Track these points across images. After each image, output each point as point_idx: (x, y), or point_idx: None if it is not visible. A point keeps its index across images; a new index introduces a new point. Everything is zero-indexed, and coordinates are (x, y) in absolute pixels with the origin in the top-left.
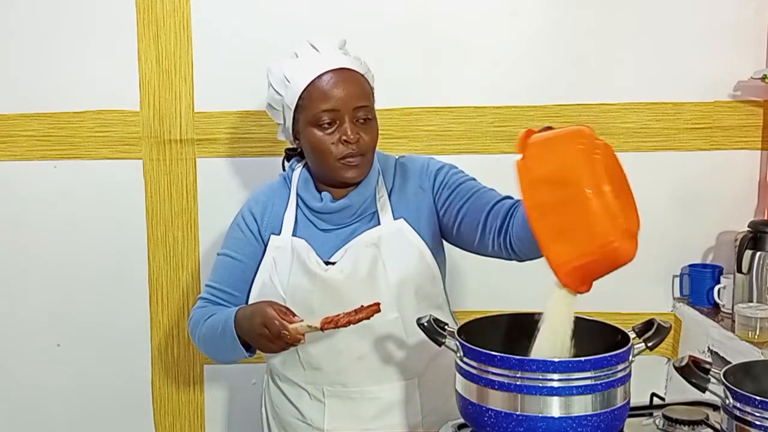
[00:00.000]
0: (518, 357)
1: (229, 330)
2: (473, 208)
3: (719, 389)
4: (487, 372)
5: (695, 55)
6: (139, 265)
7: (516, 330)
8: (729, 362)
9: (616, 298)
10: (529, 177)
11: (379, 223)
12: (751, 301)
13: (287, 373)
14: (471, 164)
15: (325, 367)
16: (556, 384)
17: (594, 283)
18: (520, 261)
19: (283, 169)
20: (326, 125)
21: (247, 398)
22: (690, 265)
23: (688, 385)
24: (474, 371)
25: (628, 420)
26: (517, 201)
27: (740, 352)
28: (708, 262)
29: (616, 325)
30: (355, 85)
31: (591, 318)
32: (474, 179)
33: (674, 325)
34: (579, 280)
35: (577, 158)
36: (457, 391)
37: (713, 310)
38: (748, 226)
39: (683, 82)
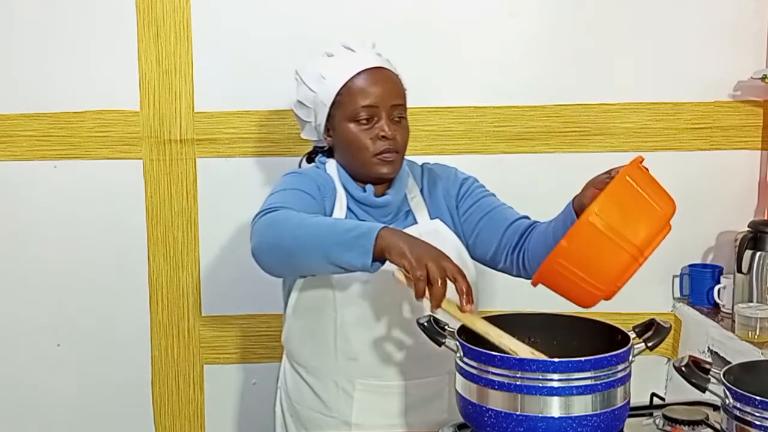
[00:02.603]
0: (518, 357)
1: (365, 231)
2: (492, 222)
3: (719, 389)
4: (487, 372)
5: (695, 55)
6: (139, 265)
7: (516, 330)
8: (729, 362)
9: (616, 298)
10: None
11: (415, 222)
12: (751, 301)
13: (317, 363)
14: (471, 164)
15: (361, 358)
16: (556, 384)
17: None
18: (528, 279)
19: (299, 167)
20: (364, 121)
21: (247, 398)
22: (690, 265)
23: (688, 385)
24: (474, 371)
25: (628, 420)
26: (535, 222)
27: (740, 352)
28: (708, 262)
29: (616, 325)
30: (392, 84)
31: (591, 318)
32: (494, 195)
33: (674, 325)
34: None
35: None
36: (457, 391)
37: (713, 310)
38: (748, 226)
39: (683, 82)
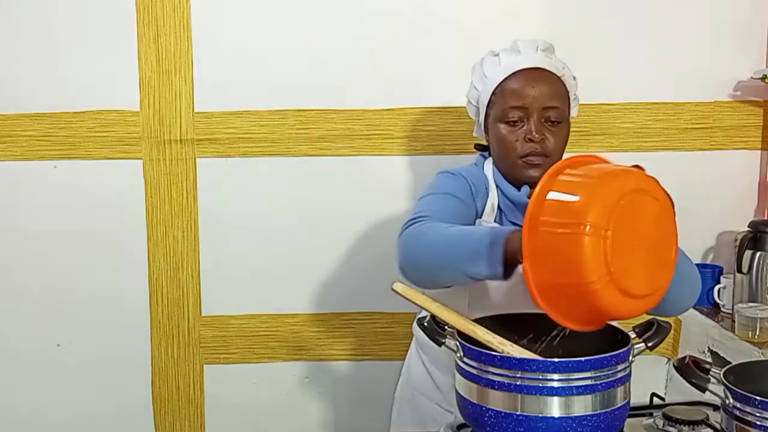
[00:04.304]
0: (518, 357)
1: (494, 238)
2: None
3: (719, 389)
4: (487, 372)
5: (695, 55)
6: (139, 265)
7: (516, 330)
8: (729, 362)
9: None
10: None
11: None
12: (751, 301)
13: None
14: None
15: None
16: (556, 384)
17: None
18: None
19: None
20: (512, 122)
21: (247, 398)
22: None
23: (688, 385)
24: (474, 371)
25: (628, 420)
26: None
27: (740, 352)
28: (708, 262)
29: (616, 325)
30: (548, 85)
31: None
32: None
33: (674, 325)
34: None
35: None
36: (457, 391)
37: (713, 310)
38: (748, 226)
39: (683, 82)
